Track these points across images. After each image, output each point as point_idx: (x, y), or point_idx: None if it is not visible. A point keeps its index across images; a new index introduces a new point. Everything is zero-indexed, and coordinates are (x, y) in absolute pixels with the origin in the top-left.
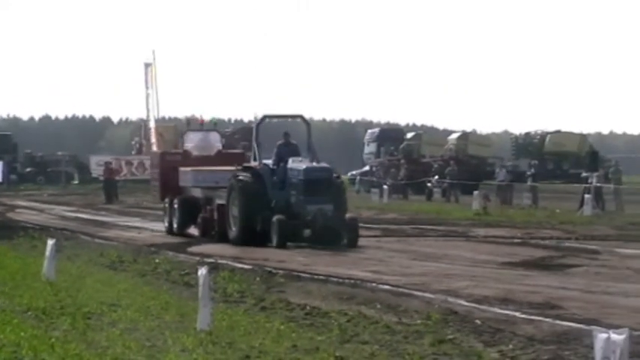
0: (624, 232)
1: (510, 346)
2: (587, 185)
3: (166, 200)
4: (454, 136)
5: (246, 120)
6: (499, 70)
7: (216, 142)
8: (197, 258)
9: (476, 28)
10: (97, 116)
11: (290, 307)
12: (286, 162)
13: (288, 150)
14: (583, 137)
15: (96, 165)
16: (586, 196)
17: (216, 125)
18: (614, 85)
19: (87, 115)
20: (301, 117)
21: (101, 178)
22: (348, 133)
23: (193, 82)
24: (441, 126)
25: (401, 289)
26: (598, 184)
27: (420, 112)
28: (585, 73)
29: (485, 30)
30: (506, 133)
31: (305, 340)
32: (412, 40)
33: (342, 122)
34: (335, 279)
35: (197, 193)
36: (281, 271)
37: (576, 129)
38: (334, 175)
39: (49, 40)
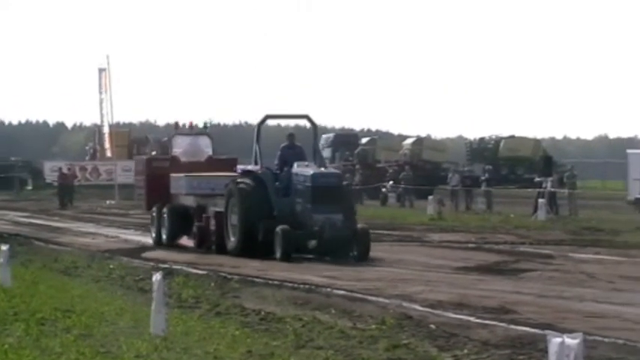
0: (578, 237)
1: (465, 351)
2: (541, 190)
3: (154, 209)
4: (409, 141)
5: (200, 125)
6: (453, 75)
7: (206, 147)
8: (151, 263)
9: (428, 34)
10: (51, 121)
11: (245, 312)
12: (291, 166)
13: (292, 153)
14: (537, 142)
15: (50, 170)
16: (540, 200)
17: (207, 128)
18: (568, 90)
19: (40, 121)
20: (307, 117)
21: (55, 183)
22: (303, 139)
23: (146, 88)
24: (395, 131)
25: (355, 294)
26: (552, 189)
27: (375, 118)
28: (539, 78)
29: (437, 36)
30: (460, 138)
31: (260, 345)
32: (366, 45)
33: (297, 128)
34: (290, 284)
35: (189, 201)
36: (236, 277)
37: (530, 134)
38: (344, 181)
39: (2, 44)
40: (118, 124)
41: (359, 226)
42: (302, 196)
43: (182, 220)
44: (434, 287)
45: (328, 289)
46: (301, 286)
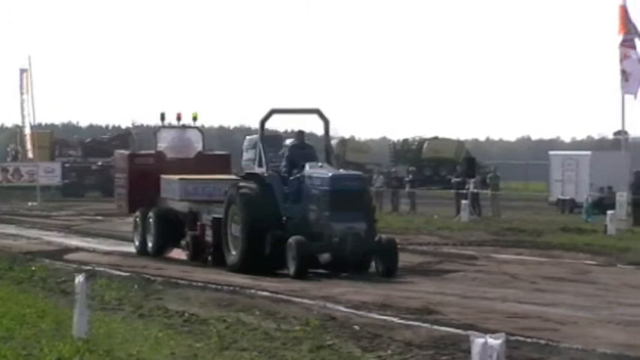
0: (501, 238)
1: (389, 352)
2: (460, 191)
3: (137, 213)
4: (332, 142)
5: (123, 126)
6: (377, 76)
7: (195, 141)
8: (74, 265)
9: (353, 34)
10: None
11: (168, 314)
12: (301, 168)
13: (302, 153)
14: (460, 143)
15: None
16: (463, 202)
17: (196, 120)
18: (491, 92)
19: None
20: (318, 112)
21: None
22: (227, 140)
23: (69, 88)
24: (319, 132)
25: (280, 296)
26: (475, 190)
27: (298, 119)
28: (462, 79)
29: (363, 38)
30: (384, 139)
31: (183, 347)
32: (290, 47)
33: (221, 129)
34: (213, 285)
35: (179, 205)
36: (159, 278)
37: (453, 135)
38: (366, 185)
39: None
40: (39, 125)
41: (383, 236)
42: (317, 202)
43: (171, 228)
44: (358, 288)
45: (252, 291)
46: (225, 287)
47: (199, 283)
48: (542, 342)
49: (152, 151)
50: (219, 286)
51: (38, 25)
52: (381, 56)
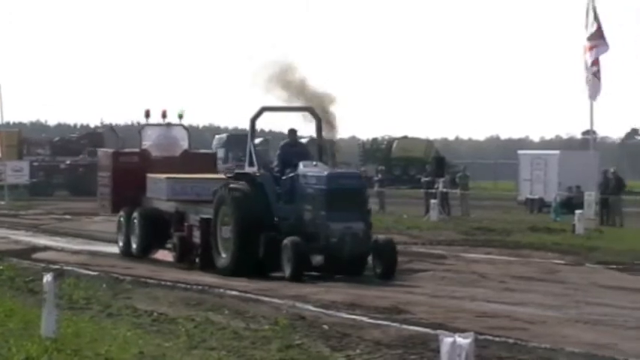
0: (470, 237)
1: (357, 351)
2: (429, 190)
3: (121, 213)
4: (302, 141)
5: (92, 125)
6: (345, 75)
7: (181, 139)
8: (42, 265)
9: (321, 36)
10: None
11: (137, 313)
12: (295, 167)
13: (294, 152)
14: (429, 143)
15: None
16: (432, 201)
17: (181, 118)
18: (460, 91)
19: None
20: (311, 109)
21: None
22: (197, 139)
23: (37, 87)
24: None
25: (249, 295)
26: (444, 190)
27: (268, 118)
28: (431, 79)
29: (331, 37)
30: (353, 138)
31: (152, 346)
32: (256, 45)
33: (190, 128)
34: (182, 285)
35: (165, 205)
36: (128, 278)
37: (423, 135)
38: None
39: None
40: (7, 124)
41: (380, 236)
42: (313, 202)
43: (157, 228)
44: (328, 288)
45: (221, 290)
46: (194, 286)
47: (168, 283)
48: (511, 341)
49: (137, 149)
50: (188, 286)
51: (5, 23)
52: (350, 56)
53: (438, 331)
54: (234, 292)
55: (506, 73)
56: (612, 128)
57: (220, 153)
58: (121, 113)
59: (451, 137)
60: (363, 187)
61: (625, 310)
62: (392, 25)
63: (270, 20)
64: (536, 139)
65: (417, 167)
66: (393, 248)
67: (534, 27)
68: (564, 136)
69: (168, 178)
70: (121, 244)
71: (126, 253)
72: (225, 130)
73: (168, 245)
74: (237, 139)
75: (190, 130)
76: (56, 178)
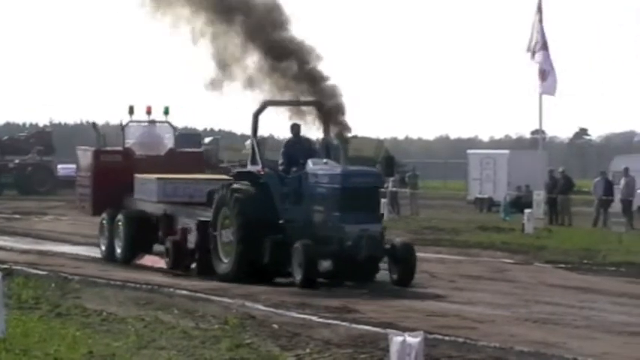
0: (420, 236)
1: (307, 350)
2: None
3: (103, 216)
4: (247, 142)
5: (40, 124)
6: None
7: (166, 137)
8: None
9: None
10: None
11: (86, 313)
12: (302, 165)
13: (300, 149)
14: (379, 142)
15: None
16: (382, 200)
17: (167, 115)
18: (409, 90)
19: None
20: (318, 103)
21: None
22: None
23: None
24: (238, 131)
25: (199, 294)
26: (394, 189)
27: (218, 117)
28: (380, 78)
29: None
30: None
31: (101, 346)
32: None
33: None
34: (132, 284)
35: (153, 207)
36: (77, 277)
37: (373, 134)
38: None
39: None
40: None
41: (397, 239)
42: (325, 202)
43: (143, 232)
44: (277, 287)
45: (171, 289)
46: (144, 286)
47: (118, 282)
48: (461, 340)
49: (119, 148)
50: (137, 285)
51: None
52: None
53: (388, 330)
54: (183, 292)
55: (455, 72)
56: (561, 128)
57: None
58: (103, 110)
59: (401, 137)
60: (379, 186)
61: (573, 309)
62: (339, 24)
63: None
64: (485, 138)
65: (367, 166)
66: (411, 252)
67: (483, 26)
68: (513, 136)
69: (158, 178)
70: (103, 248)
71: (109, 258)
72: (175, 129)
73: (160, 249)
74: (186, 139)
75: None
76: (4, 177)
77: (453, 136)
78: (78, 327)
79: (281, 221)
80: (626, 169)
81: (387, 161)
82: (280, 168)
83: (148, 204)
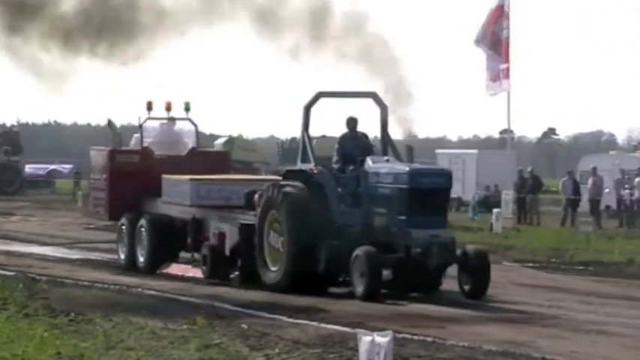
0: None
1: (276, 350)
2: None
3: (122, 221)
4: (220, 140)
5: (8, 124)
6: (264, 74)
7: (188, 136)
8: None
9: (234, 35)
10: None
11: (54, 313)
12: (360, 163)
13: (356, 145)
14: None
15: None
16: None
17: (188, 111)
18: (377, 90)
19: None
20: (374, 95)
21: None
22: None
23: None
24: (207, 130)
25: (167, 295)
26: None
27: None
28: (346, 78)
29: (244, 36)
30: (272, 138)
31: (69, 347)
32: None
33: (97, 127)
34: (100, 285)
35: (181, 211)
36: (44, 278)
37: (340, 134)
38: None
39: None
40: None
41: (469, 247)
42: (388, 205)
43: (169, 239)
44: (247, 286)
45: (139, 290)
46: (112, 286)
47: (85, 283)
48: (429, 339)
49: (137, 147)
50: (105, 285)
51: None
52: (264, 54)
53: (357, 330)
54: (152, 292)
55: (423, 72)
56: (529, 128)
57: None
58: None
59: (371, 136)
60: (450, 187)
61: (542, 308)
62: (299, 23)
63: None
64: (453, 138)
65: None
66: (486, 262)
67: (451, 24)
68: (482, 136)
69: (192, 179)
70: (122, 256)
71: (130, 266)
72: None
73: (196, 256)
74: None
75: (101, 130)
76: None
77: (421, 135)
78: (46, 328)
79: (337, 225)
80: (594, 169)
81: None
82: (335, 166)
83: (175, 207)
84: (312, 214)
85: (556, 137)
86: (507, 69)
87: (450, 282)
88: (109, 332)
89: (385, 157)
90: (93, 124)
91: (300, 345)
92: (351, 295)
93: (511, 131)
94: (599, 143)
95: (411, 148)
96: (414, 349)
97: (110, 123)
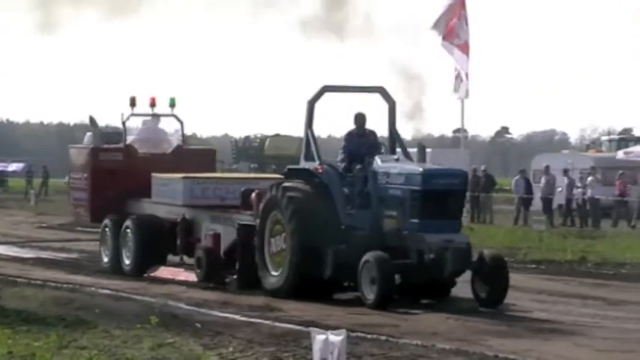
0: None
1: (230, 349)
2: None
3: (106, 222)
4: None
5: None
6: (216, 73)
7: (173, 132)
8: None
9: (192, 34)
10: None
11: (5, 313)
12: (368, 162)
13: (364, 143)
14: (301, 141)
15: None
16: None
17: (173, 107)
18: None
19: None
20: (382, 90)
21: None
22: (68, 137)
23: None
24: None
25: (121, 294)
26: None
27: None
28: (299, 78)
29: (202, 34)
30: (226, 136)
31: (21, 346)
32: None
33: (61, 125)
34: (53, 284)
35: (170, 211)
36: None
37: (294, 132)
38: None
39: None
40: None
41: (485, 251)
42: (399, 207)
43: (157, 241)
44: (199, 286)
45: (92, 289)
46: (65, 285)
47: (38, 282)
48: (383, 338)
49: (120, 145)
50: (58, 285)
51: None
52: (222, 53)
53: (311, 329)
54: (105, 291)
55: (376, 71)
56: (482, 127)
57: None
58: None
59: (324, 135)
60: (466, 189)
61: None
62: (261, 23)
63: None
64: (407, 137)
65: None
66: (504, 267)
67: (403, 23)
68: (435, 134)
69: (185, 177)
70: (105, 259)
71: (114, 270)
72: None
73: (190, 259)
74: (109, 137)
75: (60, 128)
76: None
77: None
78: None
79: (343, 227)
80: (547, 168)
81: None
82: (341, 165)
83: (162, 207)
84: (317, 216)
85: (509, 136)
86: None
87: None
88: (62, 331)
89: (395, 156)
90: (45, 122)
91: (254, 344)
92: (358, 302)
93: (464, 130)
94: (551, 142)
95: (423, 147)
96: (368, 347)
97: (92, 120)
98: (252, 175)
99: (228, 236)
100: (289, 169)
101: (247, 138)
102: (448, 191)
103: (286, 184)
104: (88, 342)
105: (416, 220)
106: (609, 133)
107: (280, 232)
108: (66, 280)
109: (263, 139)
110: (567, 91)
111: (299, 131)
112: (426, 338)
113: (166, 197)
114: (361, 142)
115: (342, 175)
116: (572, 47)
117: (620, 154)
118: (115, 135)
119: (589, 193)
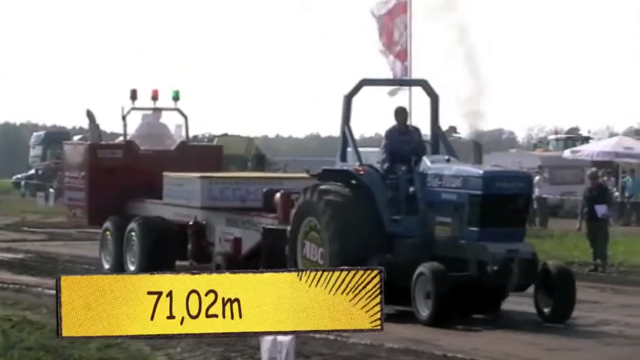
0: None
1: (178, 349)
2: None
3: (107, 225)
4: (121, 139)
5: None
6: (169, 74)
7: (176, 128)
8: None
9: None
10: None
11: None
12: (415, 163)
13: (407, 141)
14: (250, 140)
15: None
16: None
17: (177, 100)
18: (280, 89)
19: None
20: (425, 83)
21: None
22: (13, 137)
23: None
24: (108, 129)
25: None
26: None
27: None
28: (251, 77)
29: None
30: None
31: None
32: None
33: (7, 125)
34: None
35: (172, 213)
36: None
37: (243, 132)
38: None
39: None
40: None
41: (550, 262)
42: (455, 214)
43: (164, 245)
44: None
45: (39, 289)
46: (11, 286)
47: None
48: (332, 337)
49: (121, 142)
50: (4, 285)
51: None
52: (171, 54)
53: None
54: (52, 292)
55: (324, 70)
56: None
57: (38, 150)
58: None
59: (272, 135)
60: (531, 193)
61: None
62: (220, 23)
63: None
64: (356, 136)
65: (238, 164)
66: (571, 280)
67: (352, 21)
68: (383, 134)
69: (203, 177)
70: (107, 266)
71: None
72: (44, 127)
73: (211, 264)
74: (55, 137)
75: (6, 127)
76: None
77: (323, 134)
78: None
79: (388, 235)
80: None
81: (258, 159)
82: (383, 166)
83: (170, 209)
84: (358, 222)
85: (457, 135)
86: (406, 68)
87: None
88: (8, 332)
89: (445, 157)
90: (11, 122)
91: (202, 344)
92: (411, 317)
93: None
94: (499, 141)
95: (479, 146)
96: (316, 347)
97: (89, 114)
98: (277, 174)
99: (249, 241)
100: (324, 170)
101: (195, 137)
102: (514, 195)
103: (323, 186)
104: (35, 342)
105: (475, 228)
106: (556, 133)
107: (317, 239)
108: (12, 280)
109: (211, 138)
110: (514, 90)
111: (248, 131)
112: (375, 338)
113: (181, 198)
114: (403, 140)
115: (384, 177)
116: (516, 46)
117: (567, 153)
118: (62, 135)
119: (536, 192)
